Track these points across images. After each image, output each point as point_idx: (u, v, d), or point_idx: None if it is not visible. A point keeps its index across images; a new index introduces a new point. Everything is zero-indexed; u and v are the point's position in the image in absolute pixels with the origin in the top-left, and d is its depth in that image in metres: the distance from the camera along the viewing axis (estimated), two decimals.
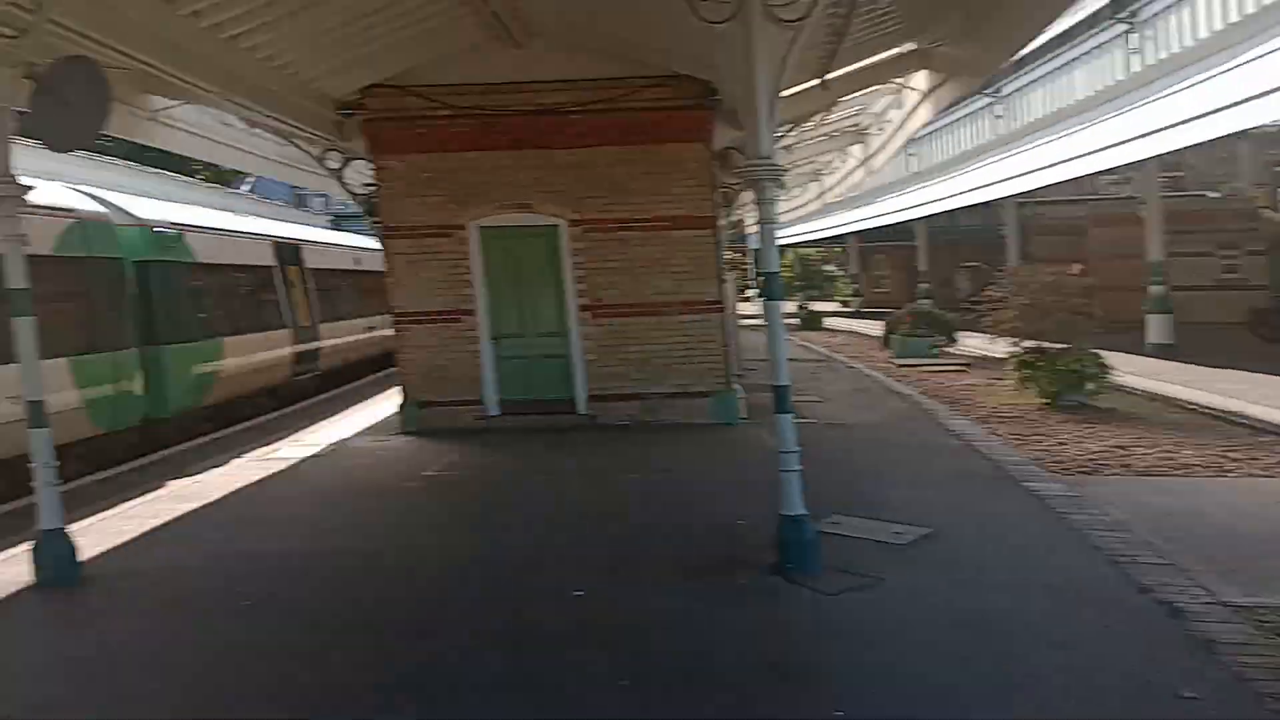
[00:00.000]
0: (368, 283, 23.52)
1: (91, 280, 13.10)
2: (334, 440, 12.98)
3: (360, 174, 13.23)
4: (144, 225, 14.28)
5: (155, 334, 14.07)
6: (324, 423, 14.97)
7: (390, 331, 24.07)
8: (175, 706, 4.92)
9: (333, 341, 21.03)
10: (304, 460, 11.67)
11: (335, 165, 12.83)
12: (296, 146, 12.50)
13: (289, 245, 19.79)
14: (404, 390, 13.16)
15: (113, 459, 13.40)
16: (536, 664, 5.28)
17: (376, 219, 12.83)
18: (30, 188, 6.87)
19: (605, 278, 12.66)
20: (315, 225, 29.50)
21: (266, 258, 18.56)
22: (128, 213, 14.32)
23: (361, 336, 23.42)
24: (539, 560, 7.21)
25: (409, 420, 13.05)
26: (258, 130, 13.03)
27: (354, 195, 13.20)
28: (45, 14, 6.36)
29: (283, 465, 11.37)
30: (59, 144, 6.84)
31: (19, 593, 6.79)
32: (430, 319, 12.91)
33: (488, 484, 10.14)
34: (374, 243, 26.40)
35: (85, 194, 13.70)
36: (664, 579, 6.53)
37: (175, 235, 14.72)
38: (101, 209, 13.75)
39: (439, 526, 8.50)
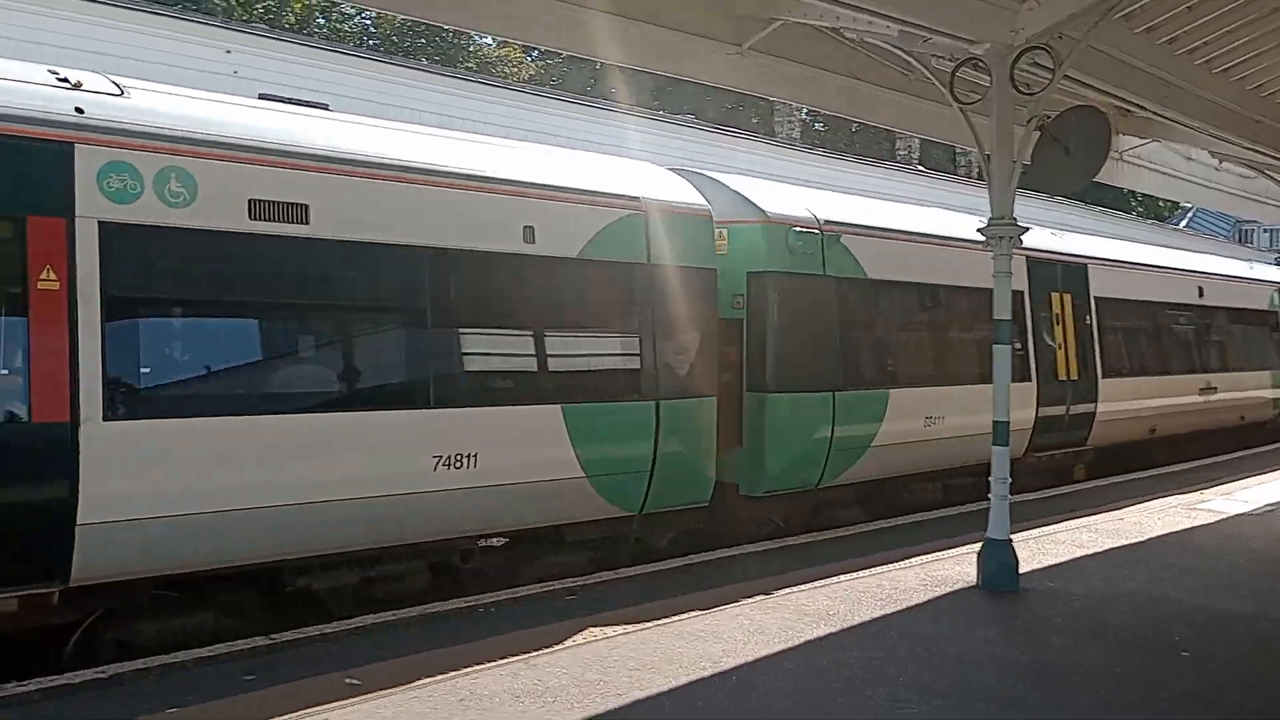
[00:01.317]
0: (1218, 324, 16.86)
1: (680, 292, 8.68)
2: (1273, 500, 11.88)
3: None
4: (770, 223, 9.81)
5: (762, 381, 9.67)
6: (1255, 478, 13.76)
7: (1257, 394, 17.98)
8: None
9: (1117, 406, 14.08)
10: (1235, 516, 10.91)
11: None
12: (1271, 179, 11.60)
13: (1062, 264, 13.47)
14: None
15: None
16: None
17: None
18: (1026, 229, 7.58)
19: None
20: (1250, 261, 24.84)
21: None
22: (755, 205, 9.90)
23: (1185, 400, 15.64)
24: None
25: None
26: (1225, 165, 12.39)
27: None
28: (1061, 72, 7.00)
29: (1211, 518, 10.78)
30: (1055, 189, 7.49)
31: (965, 589, 7.64)
32: None
33: None
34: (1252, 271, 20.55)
35: (684, 176, 9.64)
36: None
37: (825, 238, 10.08)
38: (696, 200, 9.20)
39: None
